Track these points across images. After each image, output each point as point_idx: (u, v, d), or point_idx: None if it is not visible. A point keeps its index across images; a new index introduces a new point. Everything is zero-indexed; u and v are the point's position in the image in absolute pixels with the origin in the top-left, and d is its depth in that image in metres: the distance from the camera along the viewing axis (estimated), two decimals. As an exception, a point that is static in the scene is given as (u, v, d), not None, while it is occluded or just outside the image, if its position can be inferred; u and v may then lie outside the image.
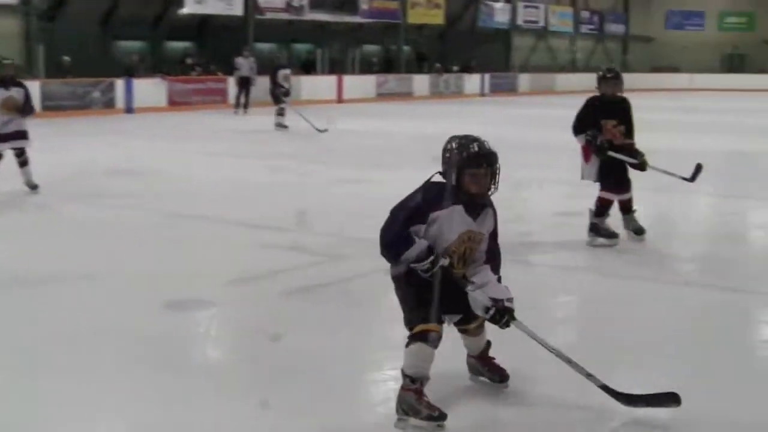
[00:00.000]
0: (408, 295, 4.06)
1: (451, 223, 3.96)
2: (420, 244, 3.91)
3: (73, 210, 9.49)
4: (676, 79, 41.72)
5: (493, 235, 4.15)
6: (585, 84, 38.35)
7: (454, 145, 3.99)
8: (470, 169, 3.89)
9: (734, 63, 47.41)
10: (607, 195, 7.69)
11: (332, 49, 34.47)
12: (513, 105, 28.49)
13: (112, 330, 5.31)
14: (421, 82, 33.23)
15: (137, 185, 11.09)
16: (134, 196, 10.17)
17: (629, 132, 7.58)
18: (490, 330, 4.29)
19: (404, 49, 34.66)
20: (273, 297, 6.09)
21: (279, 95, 18.95)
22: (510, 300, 4.06)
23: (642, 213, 7.84)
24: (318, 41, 33.86)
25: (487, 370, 4.39)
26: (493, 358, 4.41)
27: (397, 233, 3.97)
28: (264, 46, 30.31)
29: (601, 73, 7.69)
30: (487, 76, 36.19)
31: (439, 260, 3.91)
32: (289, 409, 4.14)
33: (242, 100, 24.04)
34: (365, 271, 6.76)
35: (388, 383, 4.44)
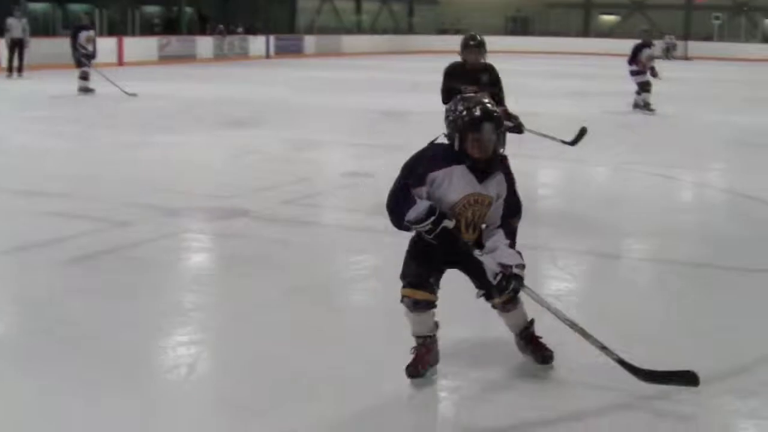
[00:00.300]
0: (408, 254, 4.00)
1: (450, 183, 3.82)
2: (420, 205, 3.77)
3: None
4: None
5: (507, 199, 3.94)
6: (371, 46, 39.13)
7: (459, 107, 3.82)
8: (473, 133, 3.75)
9: (518, 25, 49.31)
10: None
11: (110, 10, 33.24)
12: (299, 67, 28.49)
13: None
14: (204, 44, 32.64)
15: None
16: None
17: (499, 98, 7.73)
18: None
19: (186, 11, 33.88)
20: (55, 265, 5.86)
21: (79, 58, 18.07)
22: (520, 266, 3.89)
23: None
24: (95, 1, 32.54)
25: (530, 350, 4.17)
26: (538, 337, 4.18)
27: (395, 194, 3.85)
28: (37, 6, 28.87)
29: (464, 40, 7.76)
30: (272, 38, 35.97)
31: (443, 221, 3.77)
32: (78, 380, 4.01)
33: (15, 63, 22.85)
34: (151, 237, 6.64)
35: (177, 349, 4.39)
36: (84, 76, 18.01)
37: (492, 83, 7.71)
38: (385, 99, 17.19)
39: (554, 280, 5.67)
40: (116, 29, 32.01)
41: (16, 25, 22.86)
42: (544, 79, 21.02)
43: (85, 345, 4.45)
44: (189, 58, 31.24)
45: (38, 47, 24.14)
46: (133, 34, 32.49)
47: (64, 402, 3.78)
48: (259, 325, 4.80)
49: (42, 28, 31.36)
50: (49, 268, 5.82)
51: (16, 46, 22.80)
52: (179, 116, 14.86)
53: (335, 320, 4.92)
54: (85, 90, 17.93)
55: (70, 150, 11.11)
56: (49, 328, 4.72)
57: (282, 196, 8.08)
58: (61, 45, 21.45)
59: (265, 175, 9.33)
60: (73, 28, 19.04)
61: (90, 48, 18.29)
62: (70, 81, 17.80)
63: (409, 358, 4.01)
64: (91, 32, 18.72)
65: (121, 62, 28.37)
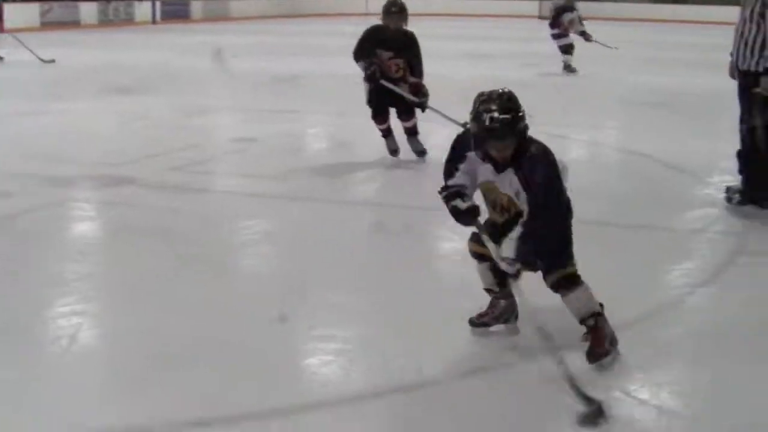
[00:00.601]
0: None
1: (478, 166, 3.79)
2: (457, 179, 3.79)
3: None
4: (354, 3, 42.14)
5: (530, 201, 3.72)
6: (260, 10, 38.57)
7: (477, 107, 3.67)
8: (485, 141, 3.65)
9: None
10: (376, 122, 7.92)
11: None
12: (186, 33, 27.86)
13: None
14: (88, 9, 31.61)
15: None
16: None
17: (414, 68, 7.71)
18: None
19: (69, -25, 32.79)
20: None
21: None
22: (505, 260, 3.69)
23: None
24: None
25: (586, 341, 3.93)
26: (596, 330, 3.88)
27: (446, 170, 3.86)
28: None
29: (385, 5, 7.71)
30: (158, 3, 35.09)
31: (455, 199, 3.69)
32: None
33: None
34: (33, 207, 6.42)
35: (58, 321, 4.26)
36: None
37: (408, 51, 7.70)
38: (276, 63, 17.01)
39: (445, 241, 5.69)
40: (-5, -6, 30.87)
41: None
42: (447, 42, 21.05)
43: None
44: (72, 24, 30.23)
45: None
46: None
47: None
48: (146, 294, 4.70)
49: None
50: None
51: None
52: (64, 84, 14.39)
53: (225, 287, 4.84)
54: None
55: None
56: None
57: (171, 162, 7.90)
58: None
59: (153, 142, 9.11)
60: None
61: None
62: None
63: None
64: None
65: (0, 29, 27.35)
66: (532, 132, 3.67)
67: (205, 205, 6.70)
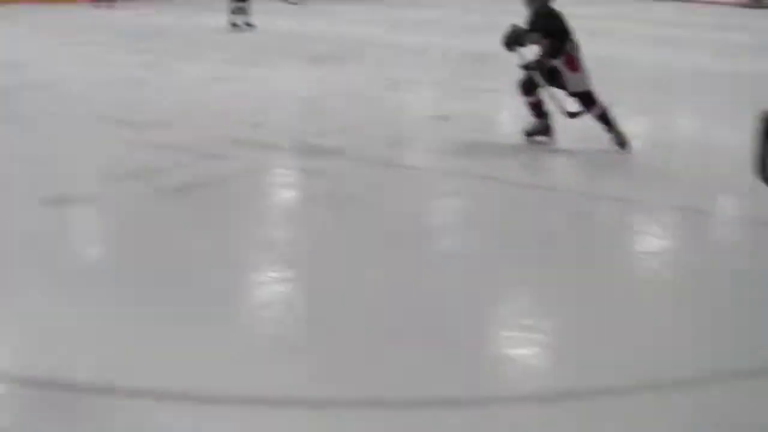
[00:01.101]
0: None
1: None
2: None
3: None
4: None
5: None
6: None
7: None
8: None
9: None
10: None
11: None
12: (394, 5, 27.94)
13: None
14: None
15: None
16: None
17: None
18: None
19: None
20: (148, 196, 5.91)
21: None
22: None
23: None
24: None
25: None
26: None
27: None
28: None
29: None
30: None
31: None
32: (173, 313, 4.02)
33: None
34: (241, 171, 6.64)
35: (272, 286, 4.39)
36: (238, 11, 17.48)
37: None
38: (474, 40, 16.91)
39: (654, 238, 5.53)
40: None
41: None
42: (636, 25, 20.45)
43: (178, 279, 4.47)
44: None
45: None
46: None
47: (164, 332, 3.81)
48: (355, 266, 4.77)
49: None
50: (141, 199, 5.88)
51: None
52: (269, 50, 14.83)
53: (432, 269, 4.82)
54: (240, 25, 17.51)
55: (162, 82, 11.18)
56: (142, 257, 4.77)
57: (370, 136, 8.02)
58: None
59: (355, 113, 9.26)
60: None
61: None
62: (161, 12, 17.91)
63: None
64: None
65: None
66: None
67: (406, 181, 6.74)
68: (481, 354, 3.80)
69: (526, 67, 7.63)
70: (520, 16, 7.78)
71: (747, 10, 30.50)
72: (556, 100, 7.68)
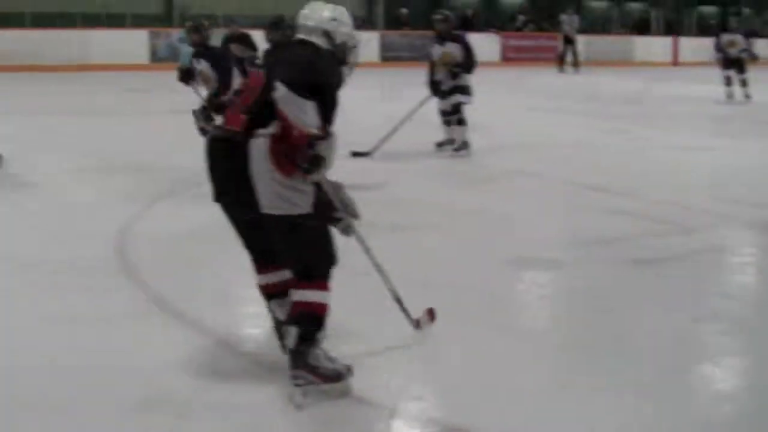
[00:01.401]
0: None
1: None
2: None
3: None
4: None
5: None
6: None
7: None
8: None
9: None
10: None
11: (666, 9, 33.11)
12: None
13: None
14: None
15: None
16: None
17: None
18: None
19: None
20: (614, 264, 5.91)
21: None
22: None
23: None
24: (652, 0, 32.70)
25: None
26: None
27: None
28: (597, 4, 29.64)
29: None
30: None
31: None
32: (616, 385, 4.00)
33: (569, 58, 23.82)
34: (717, 244, 6.45)
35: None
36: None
37: None
38: None
39: None
40: (672, 29, 31.79)
41: (566, 21, 23.92)
42: None
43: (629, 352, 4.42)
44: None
45: (592, 44, 25.15)
46: (689, 33, 31.98)
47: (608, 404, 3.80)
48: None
49: (600, 25, 32.16)
50: (604, 267, 5.88)
51: (566, 42, 23.77)
52: (730, 120, 14.34)
53: None
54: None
55: (623, 147, 11.25)
56: (596, 325, 4.78)
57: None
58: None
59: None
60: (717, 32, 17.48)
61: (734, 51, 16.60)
62: (623, 78, 18.09)
63: None
64: (737, 36, 16.81)
65: (675, 62, 28.25)
66: None
67: None
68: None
69: None
70: None
71: None
72: None
